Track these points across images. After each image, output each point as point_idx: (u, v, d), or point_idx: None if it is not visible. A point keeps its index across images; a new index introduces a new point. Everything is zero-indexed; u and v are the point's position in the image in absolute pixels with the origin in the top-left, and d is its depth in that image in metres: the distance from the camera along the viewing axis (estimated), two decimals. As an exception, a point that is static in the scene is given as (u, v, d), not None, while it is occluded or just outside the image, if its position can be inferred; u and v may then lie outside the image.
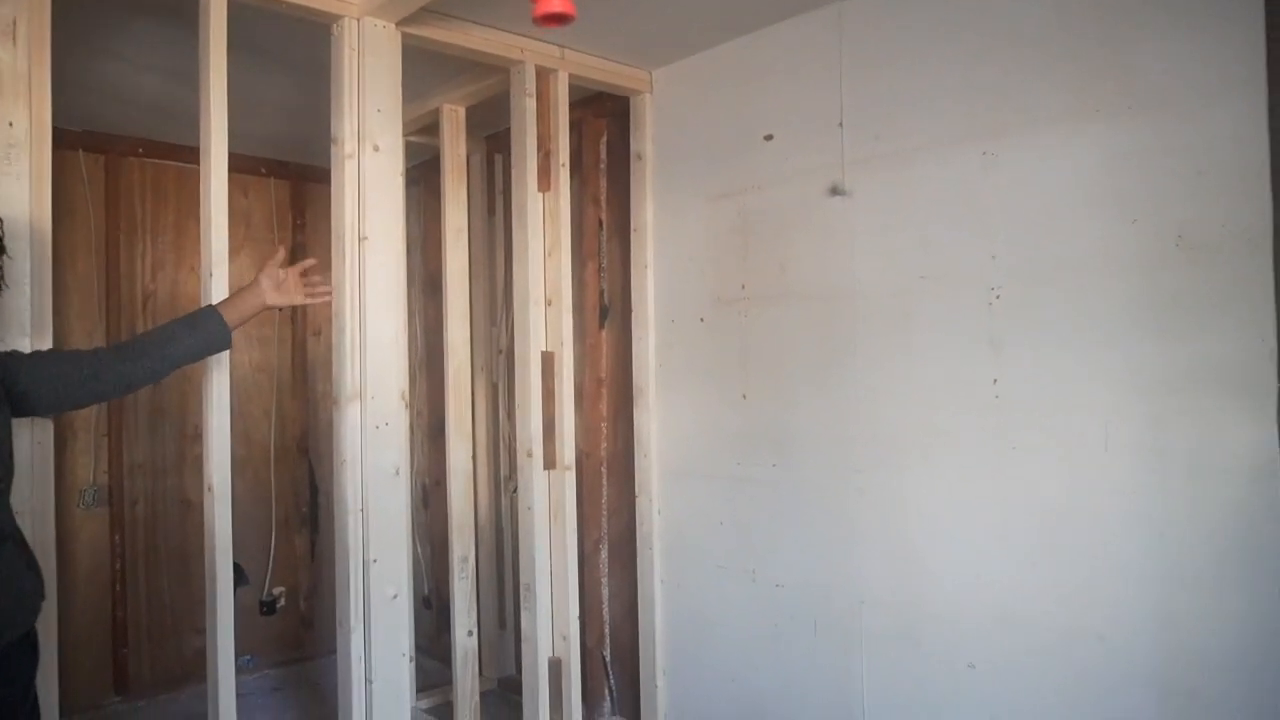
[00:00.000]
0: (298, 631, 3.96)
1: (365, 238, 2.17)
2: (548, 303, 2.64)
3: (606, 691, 3.14)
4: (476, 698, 3.02)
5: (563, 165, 2.66)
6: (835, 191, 2.40)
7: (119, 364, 1.73)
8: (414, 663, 3.09)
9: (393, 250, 2.22)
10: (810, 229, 2.45)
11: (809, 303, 2.45)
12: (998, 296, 2.07)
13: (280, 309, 1.98)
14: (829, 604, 2.41)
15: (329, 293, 2.10)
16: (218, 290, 2.05)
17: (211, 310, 1.89)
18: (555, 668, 2.61)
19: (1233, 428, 1.75)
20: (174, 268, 3.62)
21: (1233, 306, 1.75)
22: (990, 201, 2.09)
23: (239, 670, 2.06)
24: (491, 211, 3.56)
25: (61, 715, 2.07)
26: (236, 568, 2.05)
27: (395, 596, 2.19)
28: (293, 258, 3.88)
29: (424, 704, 3.32)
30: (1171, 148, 1.83)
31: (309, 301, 2.04)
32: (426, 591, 3.89)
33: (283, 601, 3.88)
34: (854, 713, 2.35)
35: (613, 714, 3.13)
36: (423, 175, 3.77)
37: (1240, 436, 1.74)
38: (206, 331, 1.85)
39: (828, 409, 2.40)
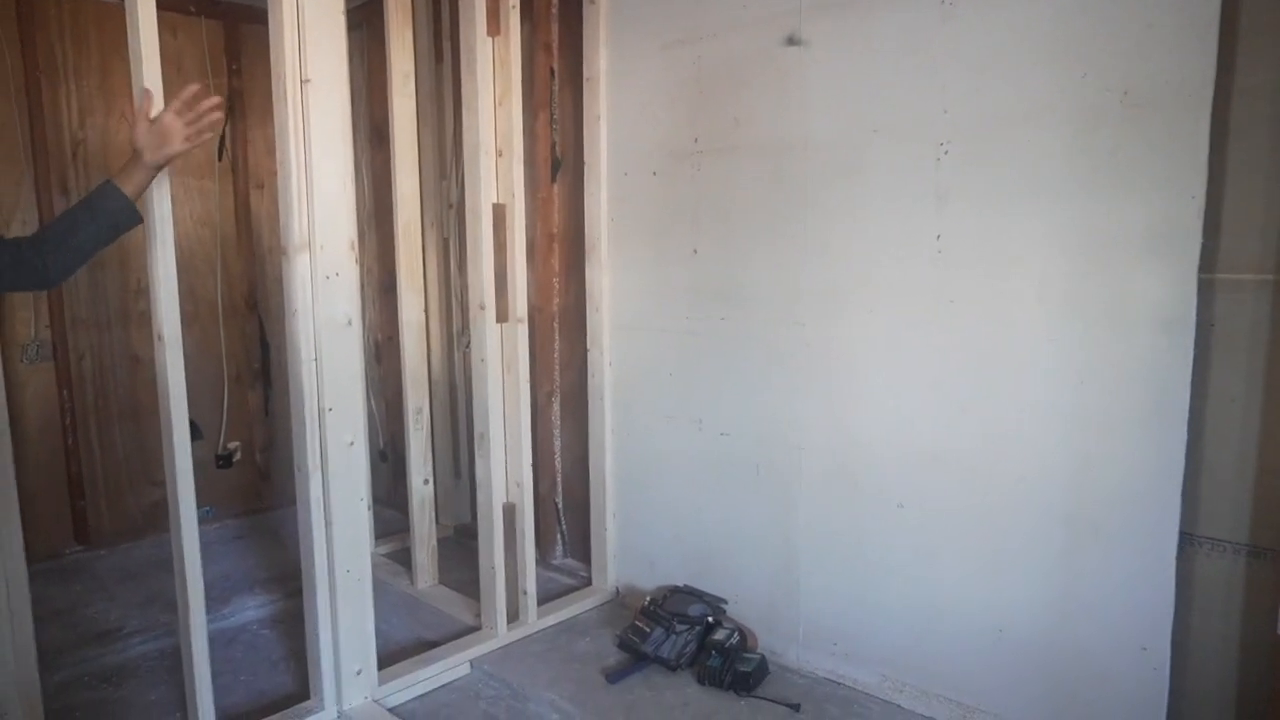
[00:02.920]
0: (255, 484, 4.03)
1: (308, 80, 2.08)
2: (498, 153, 2.59)
3: (559, 536, 3.30)
4: (433, 542, 3.15)
5: (513, 8, 2.55)
6: (792, 41, 2.35)
7: (34, 257, 1.70)
8: (372, 511, 3.20)
9: (337, 93, 2.14)
10: (765, 80, 2.42)
11: (761, 156, 2.45)
12: (946, 151, 2.09)
13: (173, 160, 1.87)
14: (771, 450, 2.53)
15: (218, 119, 1.90)
16: (153, 133, 1.97)
17: (109, 186, 1.79)
18: (509, 512, 2.72)
19: (1155, 281, 1.83)
20: (103, 114, 3.44)
21: (1168, 163, 1.80)
22: (945, 53, 2.08)
23: (199, 520, 2.10)
24: (439, 58, 3.42)
25: (27, 563, 2.13)
26: (191, 423, 2.07)
27: (352, 444, 2.24)
28: (230, 104, 3.74)
29: (383, 550, 3.45)
30: (1125, -1, 1.82)
31: (193, 144, 1.86)
32: (382, 445, 3.97)
33: (238, 455, 3.93)
34: (791, 549, 2.51)
35: (564, 557, 3.30)
36: (365, 18, 3.58)
37: (1160, 289, 1.83)
38: (107, 212, 1.78)
39: (776, 262, 2.45)
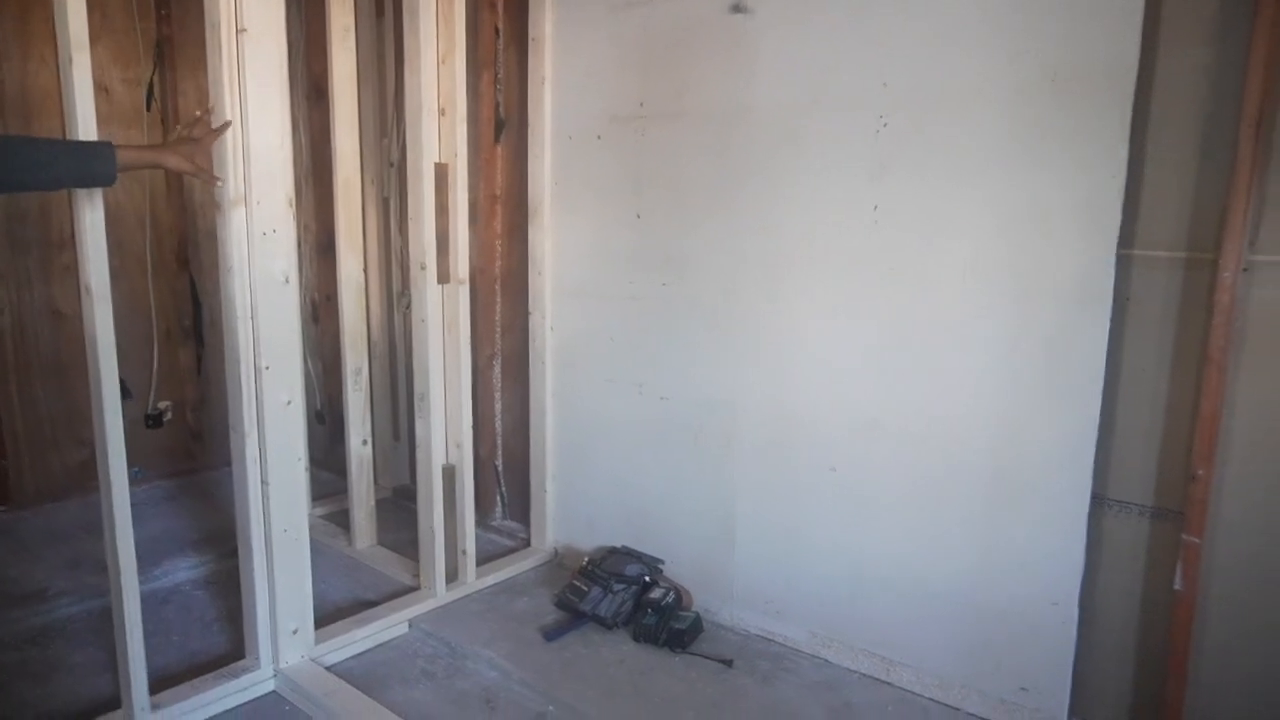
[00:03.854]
0: (187, 444, 3.95)
1: (244, 30, 2.02)
2: (441, 112, 2.55)
3: (499, 498, 3.32)
4: (372, 503, 3.14)
5: (457, -37, 2.51)
6: (738, 9, 2.36)
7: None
8: (309, 473, 3.17)
9: (274, 44, 2.08)
10: (711, 47, 2.43)
11: (706, 123, 2.46)
12: (885, 124, 2.14)
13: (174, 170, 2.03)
14: (709, 414, 2.58)
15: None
16: (80, 80, 1.88)
17: (108, 148, 1.80)
18: (449, 473, 2.72)
19: (1078, 256, 1.92)
20: (21, 59, 3.28)
21: (1093, 143, 1.87)
22: (887, 28, 2.12)
23: (128, 481, 2.06)
24: (380, 12, 3.34)
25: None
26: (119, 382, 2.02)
27: (289, 403, 2.22)
28: (158, 52, 3.60)
29: (320, 512, 3.43)
30: (1059, -18, 1.88)
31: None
32: (320, 407, 3.92)
33: (169, 415, 3.84)
34: (727, 511, 2.58)
35: (504, 519, 3.32)
36: (302, -33, 3.47)
37: (1082, 264, 1.91)
38: (91, 166, 1.78)
39: (719, 229, 2.48)
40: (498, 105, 3.03)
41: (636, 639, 2.48)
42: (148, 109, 3.61)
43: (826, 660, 2.40)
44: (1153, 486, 1.96)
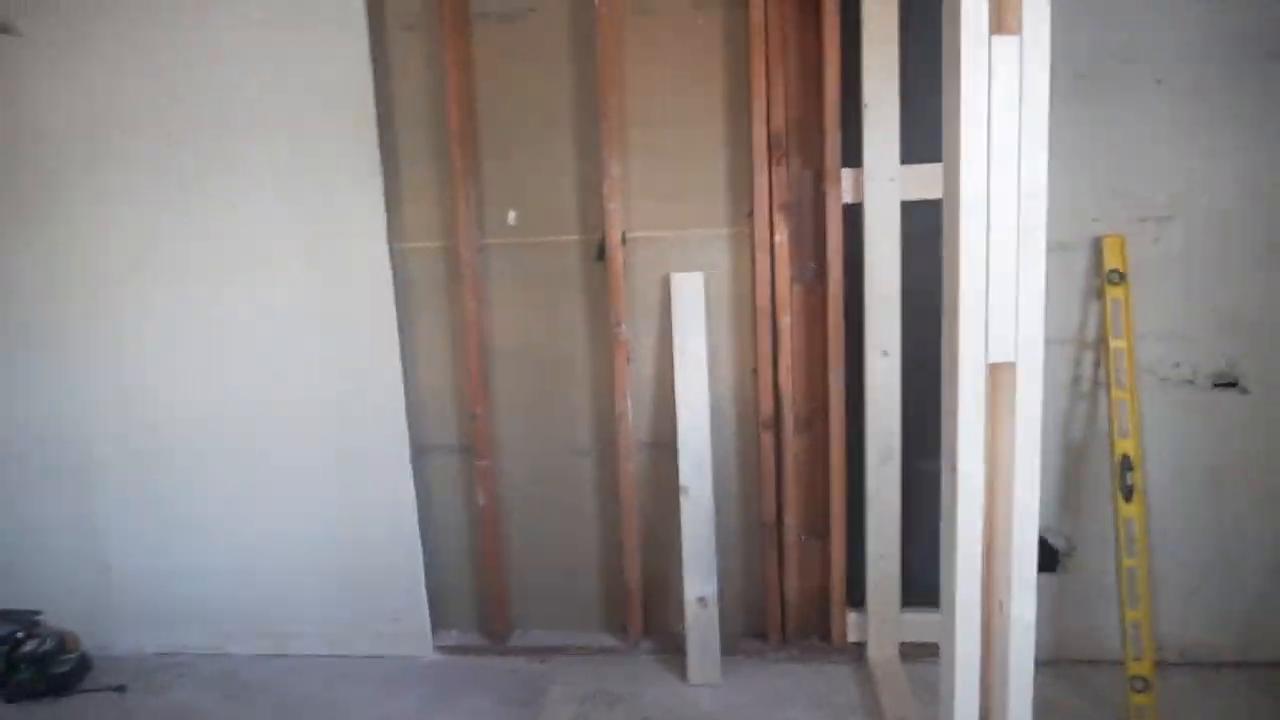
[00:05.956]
0: None
1: None
2: None
3: None
4: None
5: None
6: (4, 30, 2.29)
7: None
8: None
9: None
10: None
11: (-13, 151, 2.36)
12: (181, 143, 2.29)
13: None
14: (59, 448, 2.49)
15: None
16: None
17: None
18: None
19: (362, 249, 2.30)
20: None
21: (358, 157, 2.26)
22: (168, 57, 2.26)
23: None
24: None
25: None
26: None
27: None
28: None
29: None
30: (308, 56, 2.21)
31: None
32: None
33: None
34: (100, 542, 2.53)
35: None
36: None
37: (369, 257, 2.30)
38: None
39: (34, 258, 2.40)
40: None
41: (12, 700, 2.33)
42: None
43: (228, 654, 2.52)
44: (456, 429, 2.44)
